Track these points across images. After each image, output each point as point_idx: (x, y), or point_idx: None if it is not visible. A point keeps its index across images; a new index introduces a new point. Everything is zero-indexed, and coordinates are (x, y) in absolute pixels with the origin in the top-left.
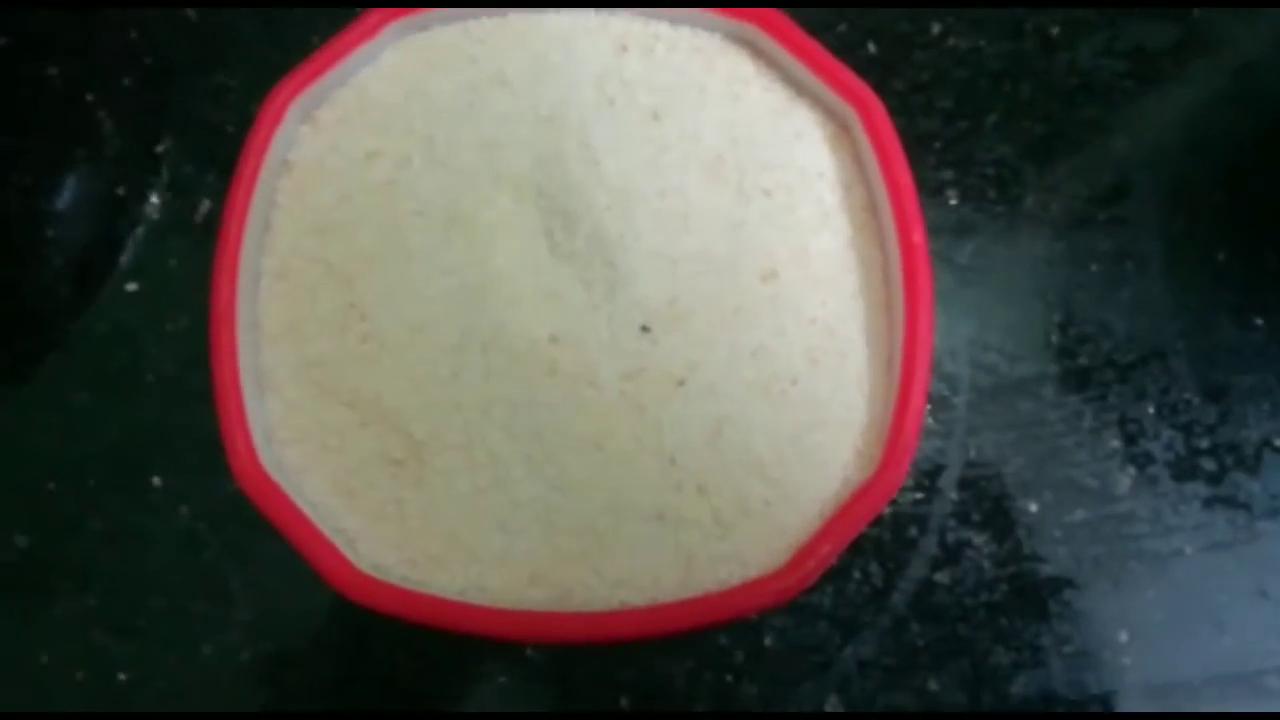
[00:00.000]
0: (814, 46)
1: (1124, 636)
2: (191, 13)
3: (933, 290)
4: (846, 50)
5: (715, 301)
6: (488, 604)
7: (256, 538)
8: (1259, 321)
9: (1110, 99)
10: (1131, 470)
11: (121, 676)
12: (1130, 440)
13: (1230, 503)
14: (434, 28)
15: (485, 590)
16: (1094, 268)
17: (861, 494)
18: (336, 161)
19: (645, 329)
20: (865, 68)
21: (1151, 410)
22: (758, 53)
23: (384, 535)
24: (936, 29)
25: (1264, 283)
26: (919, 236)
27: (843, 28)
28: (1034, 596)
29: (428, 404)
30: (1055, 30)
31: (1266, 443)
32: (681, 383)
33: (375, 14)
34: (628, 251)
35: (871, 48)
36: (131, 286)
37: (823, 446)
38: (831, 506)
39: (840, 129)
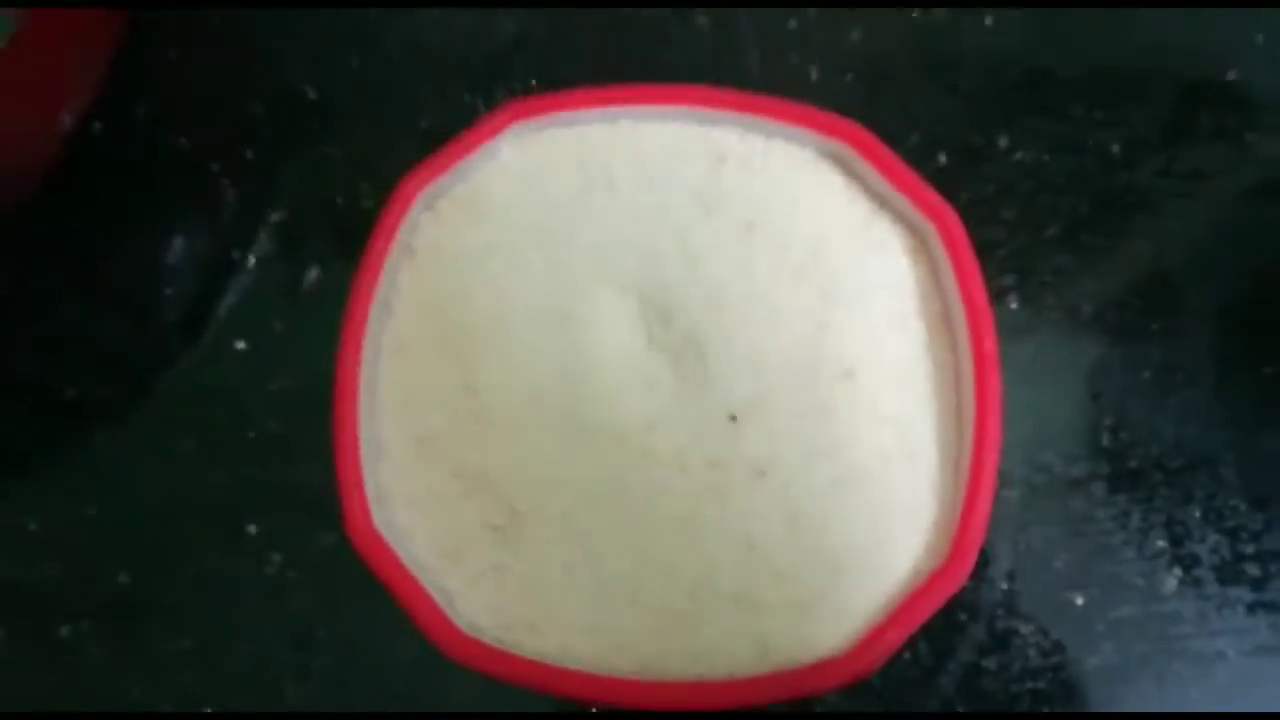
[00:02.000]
0: (898, 164)
1: None
2: (309, 89)
3: (1001, 396)
4: (918, 160)
5: (797, 398)
6: (573, 667)
7: (345, 591)
8: None
9: (1166, 217)
10: (1177, 571)
11: (208, 709)
12: (1176, 542)
13: (1273, 608)
14: (550, 129)
15: (573, 656)
16: (1146, 375)
17: (929, 584)
18: (455, 250)
19: (733, 419)
20: (935, 178)
21: (1198, 514)
22: (846, 168)
23: (482, 598)
24: (1004, 143)
25: None
26: (990, 345)
27: (915, 139)
28: (1078, 688)
29: (530, 479)
30: (1116, 149)
31: None
32: (763, 473)
33: (502, 114)
34: (719, 348)
35: (942, 159)
36: (239, 345)
37: (893, 539)
38: (899, 595)
39: (919, 242)
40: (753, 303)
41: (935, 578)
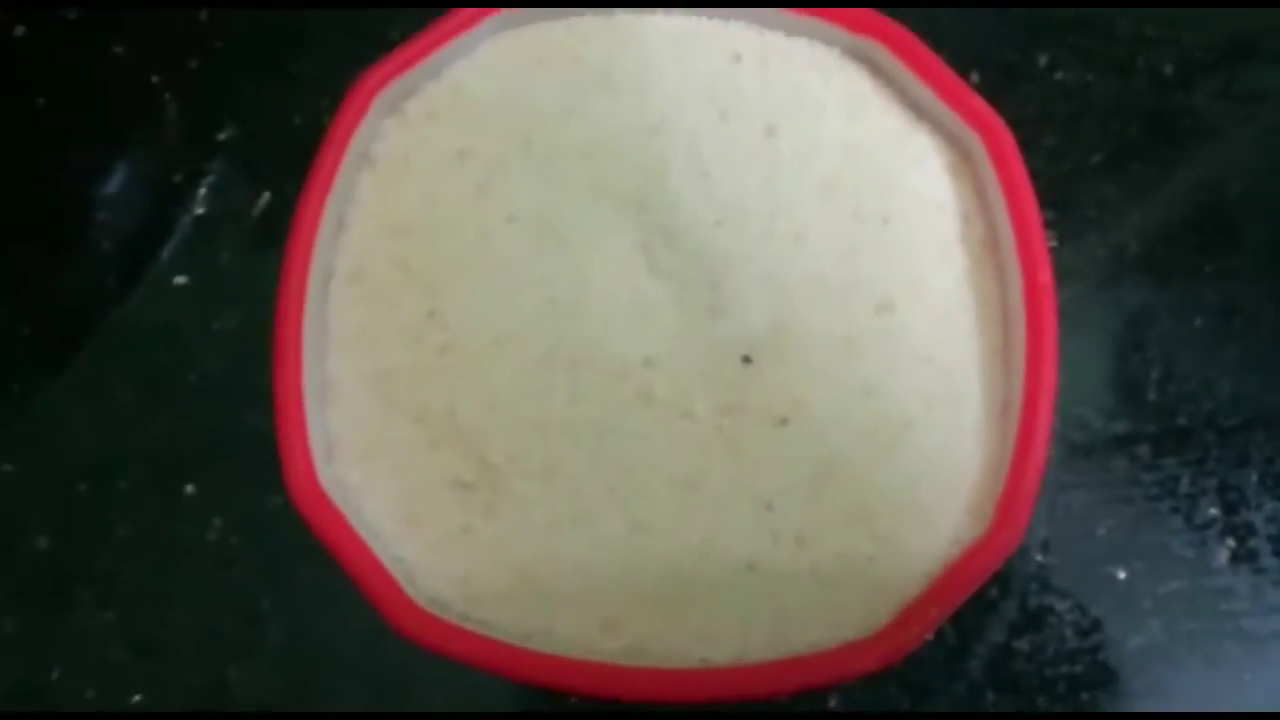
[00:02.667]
0: (939, 66)
1: None
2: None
3: (1057, 335)
4: None
5: (825, 333)
6: (554, 651)
7: (294, 557)
8: None
9: (1225, 145)
10: (1230, 542)
11: (136, 698)
12: (1230, 509)
13: None
14: (536, 23)
15: (553, 635)
16: (1199, 322)
17: (973, 554)
18: (424, 159)
19: (747, 359)
20: None
21: (1255, 478)
22: (877, 70)
23: (446, 567)
24: (1043, 60)
25: None
26: (1045, 276)
27: (945, 56)
28: (1120, 671)
29: (506, 424)
30: (1169, 69)
31: None
32: (784, 421)
33: (471, 8)
34: (733, 273)
35: (975, 78)
36: (180, 280)
37: (934, 500)
38: (940, 566)
39: (961, 156)
40: (773, 220)
41: (980, 547)
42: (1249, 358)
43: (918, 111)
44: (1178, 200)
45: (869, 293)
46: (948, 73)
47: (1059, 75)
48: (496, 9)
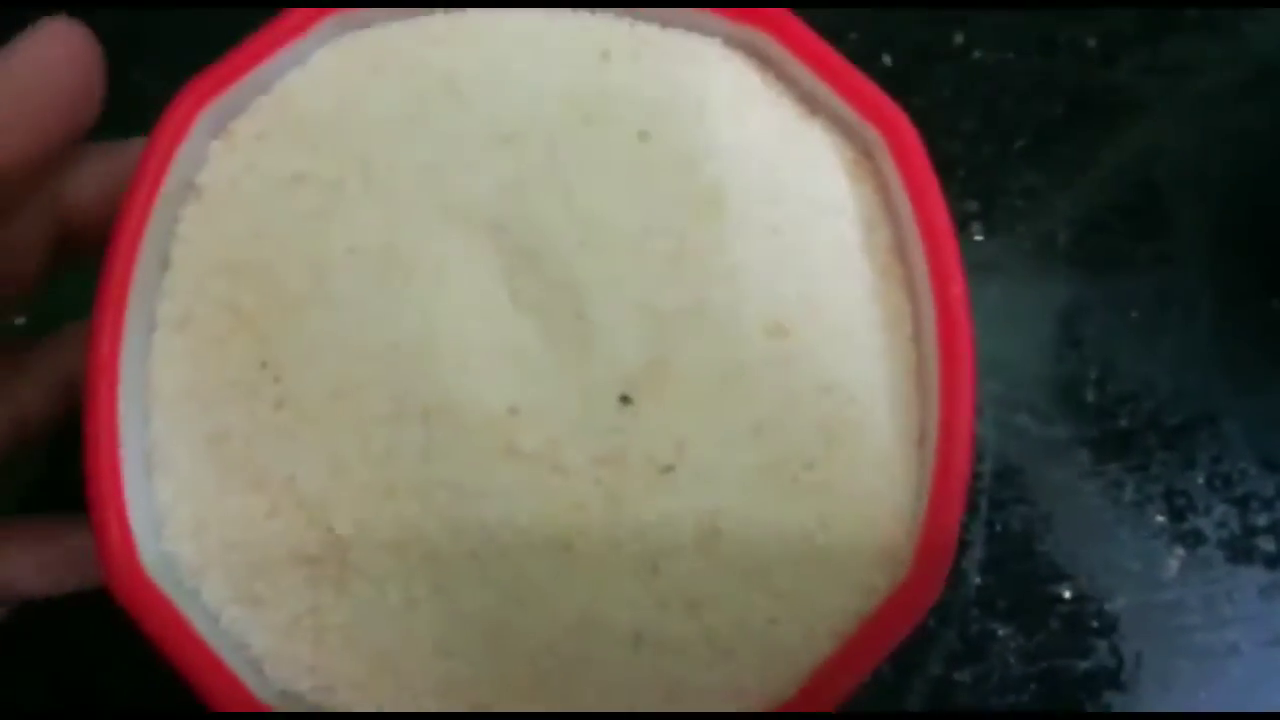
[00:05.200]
0: (833, 56)
1: None
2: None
3: (974, 353)
4: (858, 62)
5: (710, 363)
6: None
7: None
8: None
9: (1154, 122)
10: (1180, 551)
11: None
12: (1178, 516)
13: None
14: (375, 25)
15: None
16: (1134, 314)
17: (889, 607)
18: (254, 185)
19: (625, 399)
20: (879, 83)
21: (1201, 481)
22: (765, 63)
23: (295, 654)
24: (959, 39)
25: None
26: (959, 289)
27: (854, 36)
28: (1068, 698)
29: (352, 489)
30: (1092, 43)
31: None
32: (668, 469)
33: (304, 9)
34: (604, 301)
35: (887, 60)
36: None
37: (841, 546)
38: (852, 623)
39: (861, 155)
40: (648, 238)
41: (896, 598)
42: (1187, 350)
43: (810, 106)
44: (1106, 183)
45: (757, 315)
46: (841, 62)
47: (976, 54)
48: (332, 9)
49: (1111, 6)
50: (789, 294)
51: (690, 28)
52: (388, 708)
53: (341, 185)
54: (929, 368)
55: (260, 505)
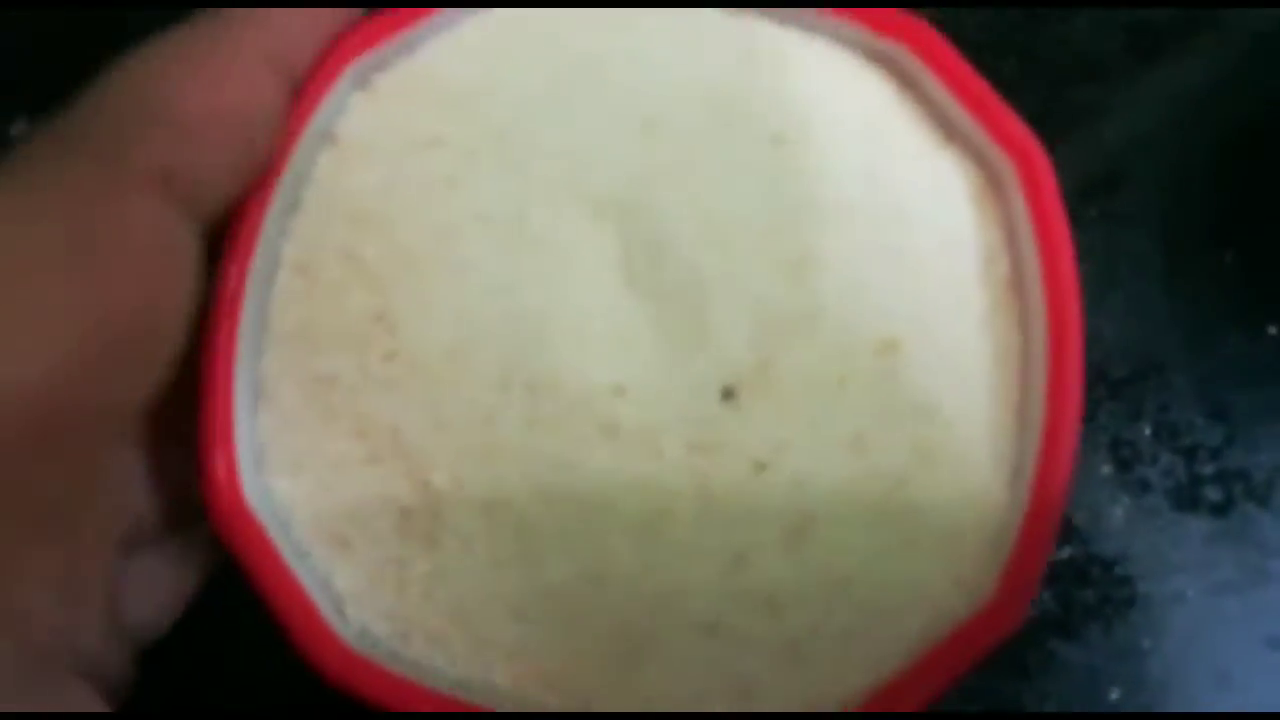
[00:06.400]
0: (973, 78)
1: (1115, 694)
2: None
3: (1081, 406)
4: None
5: (817, 370)
6: (488, 705)
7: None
8: (1271, 330)
9: (1107, 79)
10: (1125, 501)
11: None
12: (1124, 466)
13: (1238, 538)
14: (531, 6)
15: (489, 686)
16: (1084, 267)
17: (964, 633)
18: (389, 142)
19: (729, 394)
20: None
21: (1148, 431)
22: (903, 80)
23: (376, 599)
24: None
25: (1277, 286)
26: (1074, 340)
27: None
28: (1011, 647)
29: (453, 448)
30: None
31: (1279, 469)
32: (763, 466)
33: None
34: (721, 296)
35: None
36: None
37: (924, 567)
38: (922, 643)
39: (989, 183)
40: (772, 241)
41: (973, 623)
42: (1136, 303)
43: (945, 129)
44: (1057, 140)
45: (869, 330)
46: (981, 84)
47: (925, 10)
48: None
49: None
50: (903, 314)
51: (833, 37)
52: (459, 663)
53: (476, 154)
54: (1032, 404)
55: (359, 451)
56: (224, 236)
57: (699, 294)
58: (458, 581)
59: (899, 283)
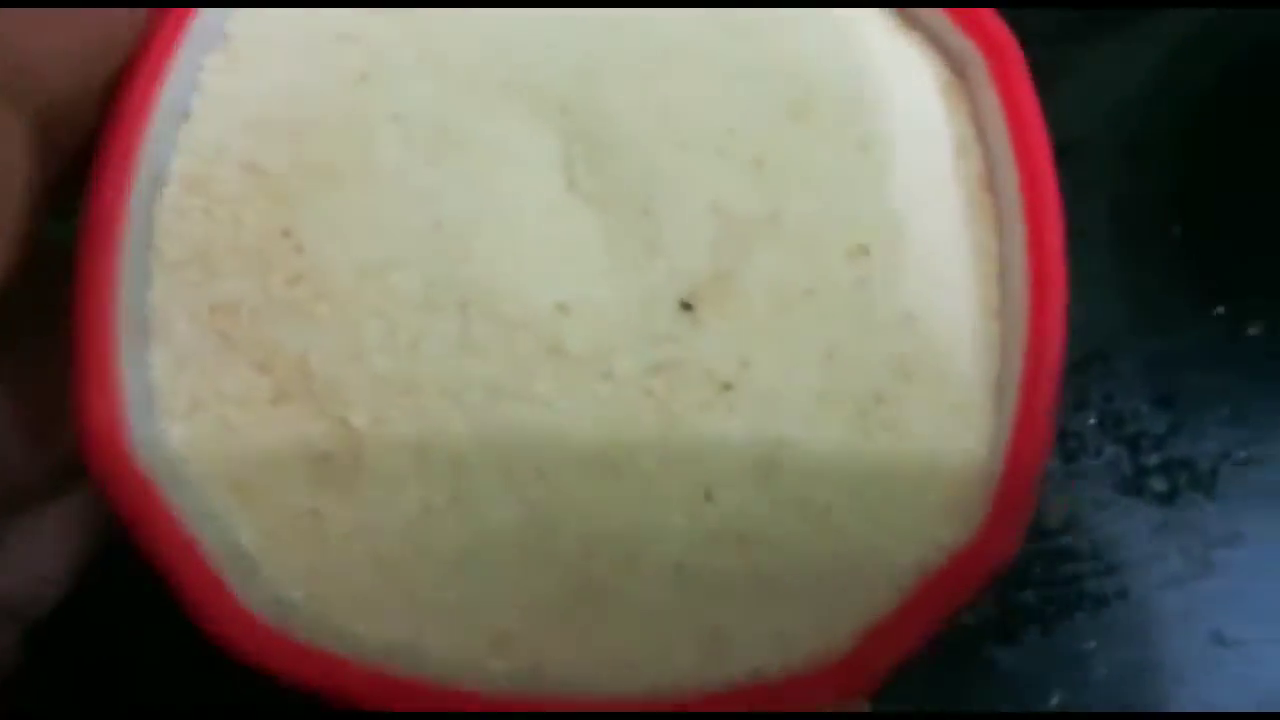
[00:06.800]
0: None
1: (1056, 699)
2: None
3: (1066, 301)
4: None
5: (783, 278)
6: (423, 674)
7: None
8: (1220, 310)
9: (1058, 43)
10: (1069, 495)
11: None
12: (1069, 458)
13: (1183, 528)
14: None
15: (424, 652)
16: None
17: (957, 562)
18: (293, 39)
19: (686, 306)
20: None
21: (1093, 422)
22: None
23: (288, 558)
24: None
25: (1227, 263)
26: (1054, 236)
27: None
28: (949, 651)
29: (373, 379)
30: None
31: (1225, 456)
32: (728, 386)
33: None
34: (674, 199)
35: None
36: None
37: (907, 491)
38: (911, 576)
39: (955, 77)
40: (731, 139)
41: (966, 552)
42: (1082, 279)
43: (910, 20)
44: None
45: (838, 233)
46: None
47: None
48: None
49: None
50: (872, 215)
51: None
52: (391, 626)
53: (395, 49)
54: (1013, 311)
55: (265, 387)
56: (88, 155)
57: (649, 197)
58: (383, 533)
59: (867, 180)
